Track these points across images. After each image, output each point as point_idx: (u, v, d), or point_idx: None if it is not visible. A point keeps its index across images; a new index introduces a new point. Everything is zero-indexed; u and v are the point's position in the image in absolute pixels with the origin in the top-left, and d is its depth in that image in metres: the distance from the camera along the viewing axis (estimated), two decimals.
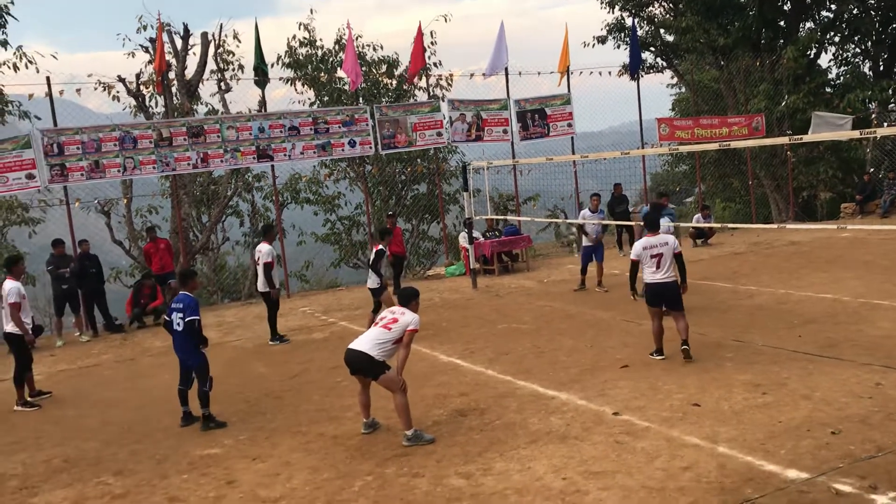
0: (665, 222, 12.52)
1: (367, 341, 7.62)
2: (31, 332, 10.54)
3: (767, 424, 7.04)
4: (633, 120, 22.41)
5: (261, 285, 12.89)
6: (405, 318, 7.73)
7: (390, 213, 18.51)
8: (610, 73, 22.00)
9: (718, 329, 10.94)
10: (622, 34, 26.75)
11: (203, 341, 8.79)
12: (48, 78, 15.88)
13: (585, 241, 14.99)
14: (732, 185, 29.21)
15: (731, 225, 17.36)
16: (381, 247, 12.40)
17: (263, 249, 12.84)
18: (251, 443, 7.98)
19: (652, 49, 27.95)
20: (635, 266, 9.83)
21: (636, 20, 25.56)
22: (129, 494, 6.89)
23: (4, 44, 16.96)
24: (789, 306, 12.10)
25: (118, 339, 14.57)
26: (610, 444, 6.92)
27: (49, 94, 15.89)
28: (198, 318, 8.59)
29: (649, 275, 9.66)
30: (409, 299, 8.00)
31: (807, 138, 11.35)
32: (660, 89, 30.83)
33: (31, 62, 17.06)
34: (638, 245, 9.82)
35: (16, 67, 17.14)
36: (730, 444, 6.65)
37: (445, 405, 8.57)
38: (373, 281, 12.18)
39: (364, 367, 7.59)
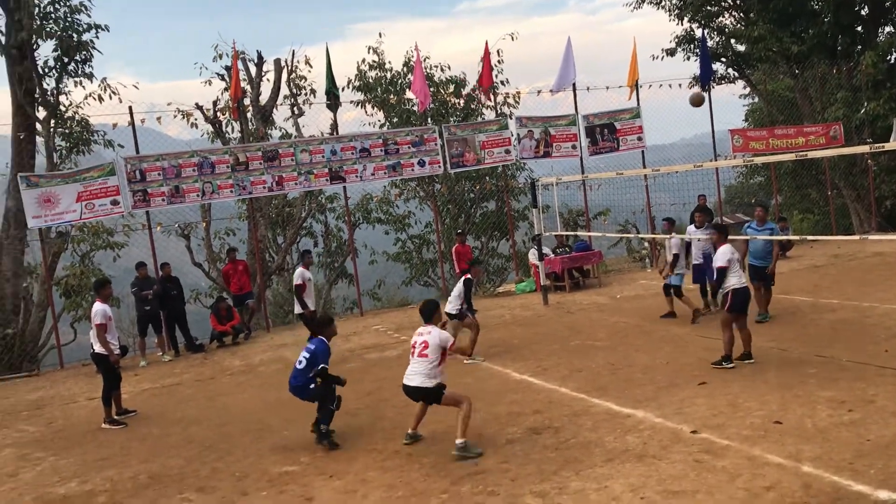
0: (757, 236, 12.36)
1: (416, 375, 8.00)
2: (116, 352, 10.94)
3: (854, 443, 6.80)
4: (705, 132, 22.02)
5: (297, 308, 13.44)
6: (434, 338, 8.01)
7: (459, 231, 18.60)
8: (680, 85, 21.72)
9: (800, 344, 10.62)
10: (691, 46, 26.33)
11: (339, 382, 8.71)
12: (130, 108, 16.58)
13: (694, 260, 13.77)
14: (810, 195, 28.34)
15: (810, 237, 16.82)
16: (469, 276, 12.19)
17: (296, 272, 13.48)
18: (328, 460, 8.09)
19: (723, 60, 27.41)
20: (723, 273, 9.80)
21: (706, 31, 25.15)
22: None
23: (90, 76, 17.72)
24: (874, 320, 11.66)
25: (199, 359, 14.99)
26: (689, 463, 6.79)
27: (131, 122, 16.57)
28: (326, 366, 8.57)
29: (737, 280, 9.87)
30: (430, 314, 8.31)
31: (889, 146, 10.93)
32: (731, 100, 30.25)
33: (114, 93, 17.80)
34: (726, 251, 9.92)
35: (100, 98, 17.89)
36: (815, 463, 6.45)
37: (519, 423, 8.54)
38: (453, 307, 11.94)
39: (425, 398, 8.09)
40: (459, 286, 12.13)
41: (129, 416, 10.87)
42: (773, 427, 7.43)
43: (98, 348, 10.74)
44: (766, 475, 6.34)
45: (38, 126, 17.14)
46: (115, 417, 10.64)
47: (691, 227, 13.81)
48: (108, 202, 16.00)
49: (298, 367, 8.63)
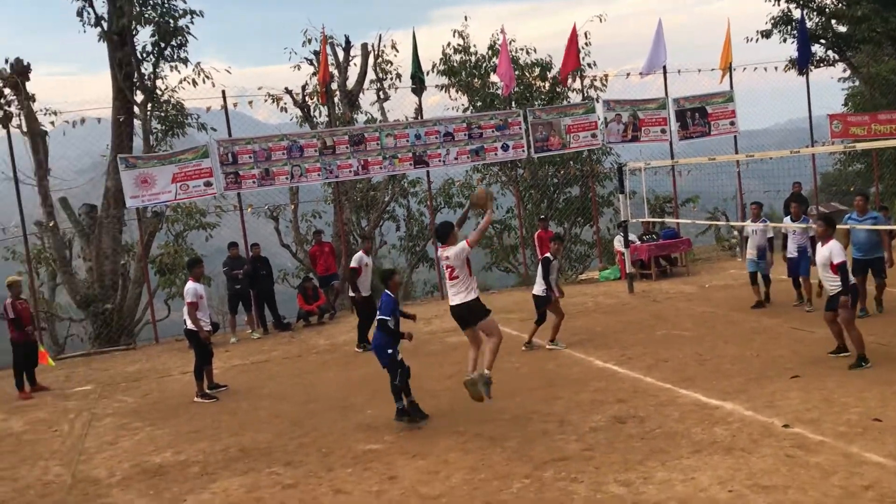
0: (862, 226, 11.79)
1: (456, 294, 8.53)
2: (207, 329, 11.30)
3: None
4: (800, 117, 21.18)
5: (350, 291, 13.51)
6: (453, 253, 8.44)
7: (542, 216, 18.44)
8: (776, 68, 20.95)
9: None
10: (789, 27, 25.27)
11: (396, 338, 8.91)
12: (223, 92, 17.05)
13: (788, 254, 13.13)
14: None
15: None
16: (548, 254, 12.08)
17: (355, 256, 13.61)
18: (411, 440, 8.19)
19: (822, 41, 26.23)
20: (845, 269, 9.30)
21: (804, 11, 24.11)
22: (299, 485, 7.25)
23: (185, 61, 18.25)
24: None
25: (286, 337, 15.37)
26: (780, 458, 6.58)
27: (224, 106, 17.03)
28: (388, 318, 8.78)
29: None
30: (446, 235, 8.69)
31: None
32: (830, 83, 28.84)
33: (207, 77, 18.25)
34: (838, 246, 9.47)
35: (194, 83, 18.40)
36: None
37: (602, 411, 8.44)
38: (539, 288, 11.87)
39: (468, 317, 8.54)
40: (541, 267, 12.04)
41: (220, 390, 11.23)
42: (872, 424, 7.13)
43: (190, 325, 11.12)
44: (863, 474, 6.09)
45: (136, 109, 17.79)
46: (207, 391, 11.00)
47: (787, 219, 13.28)
48: (202, 184, 16.50)
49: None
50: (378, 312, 8.93)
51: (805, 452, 6.64)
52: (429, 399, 9.66)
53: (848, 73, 28.46)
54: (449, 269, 8.57)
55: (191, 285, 11.19)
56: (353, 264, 13.43)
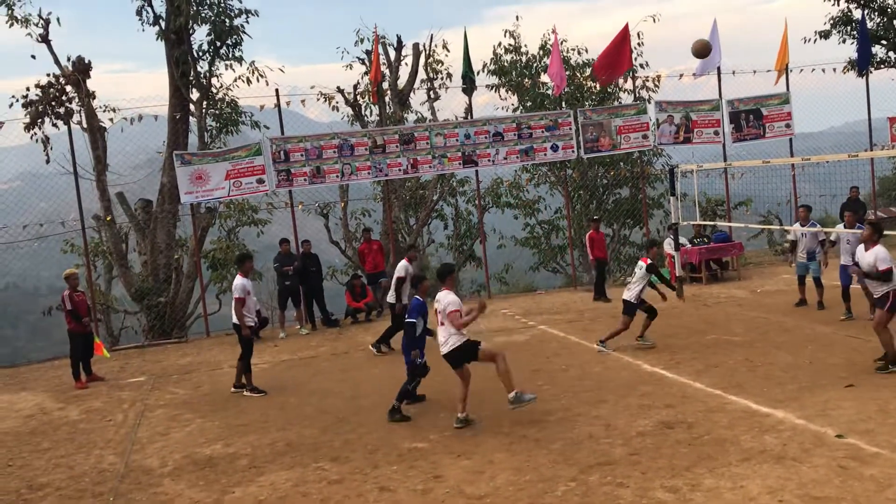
0: None
1: (445, 341, 8.56)
2: (256, 323, 11.44)
3: None
4: (858, 119, 20.68)
5: (393, 298, 13.07)
6: (442, 304, 8.50)
7: (595, 217, 18.31)
8: (834, 69, 20.49)
9: None
10: (848, 27, 24.65)
11: (421, 342, 9.20)
12: (277, 91, 17.28)
13: (842, 261, 12.81)
14: None
15: None
16: (650, 260, 11.75)
17: (399, 265, 13.09)
18: (456, 439, 8.22)
19: (883, 42, 25.51)
20: (890, 274, 9.21)
21: (865, 11, 23.49)
22: (344, 481, 7.33)
23: (240, 59, 18.53)
24: None
25: (334, 333, 15.53)
26: (833, 469, 6.45)
27: (277, 105, 17.26)
28: (414, 321, 9.10)
29: None
30: (444, 276, 8.76)
31: None
32: (890, 85, 28.10)
33: (261, 76, 18.51)
34: (885, 252, 9.31)
35: (248, 81, 18.67)
36: None
37: (650, 416, 8.36)
38: (631, 294, 11.64)
39: (461, 357, 8.55)
40: (642, 270, 11.65)
41: (242, 391, 11.11)
42: None
43: (236, 319, 11.26)
44: None
45: (192, 107, 18.14)
46: (254, 385, 11.13)
47: (839, 227, 13.00)
48: (255, 181, 16.76)
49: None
50: (406, 315, 9.32)
51: (859, 464, 6.49)
52: (475, 400, 9.67)
53: None
54: (441, 319, 8.63)
55: (239, 280, 11.28)
56: (399, 273, 12.98)
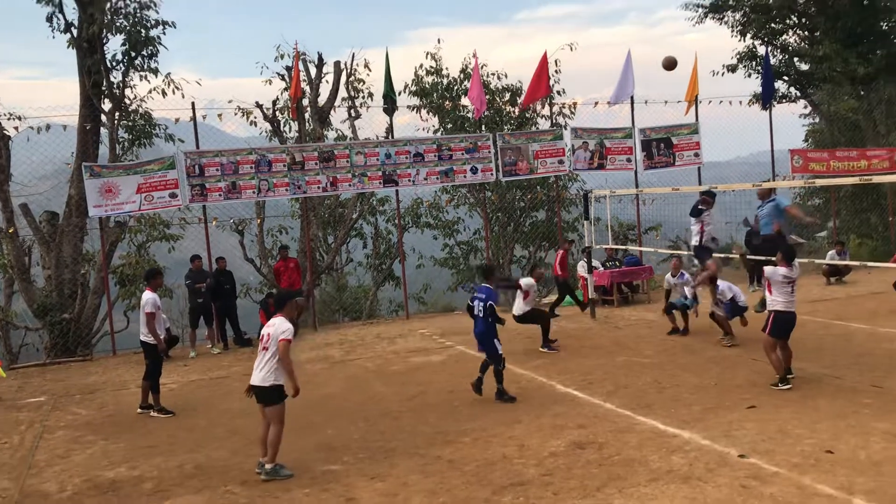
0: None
1: (256, 370, 7.89)
2: (164, 341, 11.15)
3: None
4: (762, 150, 21.65)
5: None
6: (275, 329, 7.84)
7: (571, 239, 18.78)
8: (741, 102, 21.43)
9: (855, 373, 10.36)
10: (753, 63, 25.92)
11: (499, 321, 10.34)
12: (193, 104, 16.90)
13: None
14: (869, 220, 27.63)
15: (870, 263, 16.38)
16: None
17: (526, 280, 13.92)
18: (370, 461, 8.15)
19: (785, 78, 26.94)
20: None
21: (769, 48, 24.74)
22: None
23: (155, 71, 18.07)
24: None
25: (246, 353, 15.21)
26: (735, 488, 6.67)
27: (193, 118, 16.90)
28: (494, 303, 10.26)
29: (784, 303, 9.65)
30: (282, 303, 8.10)
31: None
32: (791, 119, 29.59)
33: (178, 88, 18.09)
34: (779, 270, 9.73)
35: (164, 93, 18.22)
36: (868, 497, 6.29)
37: (563, 436, 8.48)
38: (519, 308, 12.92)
39: (258, 397, 7.95)
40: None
41: (150, 412, 10.77)
42: (825, 457, 7.26)
43: (145, 336, 10.94)
44: None
45: (104, 118, 17.58)
46: (162, 406, 10.80)
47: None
48: (167, 195, 16.34)
49: (479, 316, 10.29)
50: (484, 302, 10.19)
51: (760, 483, 6.74)
52: (390, 420, 9.66)
53: (809, 109, 29.24)
54: (263, 339, 7.99)
55: (149, 295, 10.94)
56: (526, 286, 13.49)
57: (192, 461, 8.57)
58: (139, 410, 10.87)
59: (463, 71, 22.98)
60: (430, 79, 23.15)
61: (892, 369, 10.45)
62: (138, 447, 9.24)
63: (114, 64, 17.61)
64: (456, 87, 23.08)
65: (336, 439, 9.00)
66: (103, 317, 17.59)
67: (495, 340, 10.26)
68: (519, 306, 13.24)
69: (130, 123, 18.17)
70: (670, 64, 15.54)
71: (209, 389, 12.28)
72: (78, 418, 10.92)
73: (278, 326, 7.88)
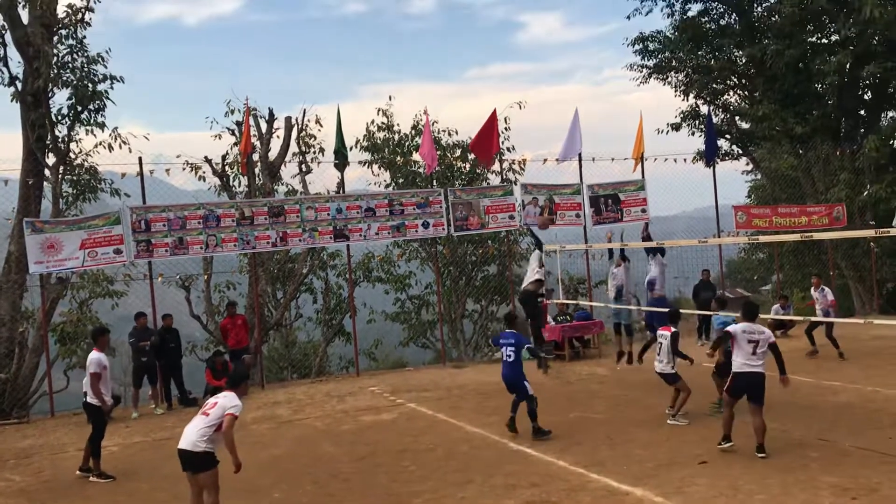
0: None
1: (188, 433, 7.49)
2: (109, 402, 10.79)
3: None
4: (706, 205, 22.17)
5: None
6: (226, 401, 7.54)
7: (550, 288, 18.73)
8: (685, 159, 21.97)
9: (801, 426, 10.49)
10: (697, 121, 26.74)
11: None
12: (140, 158, 16.69)
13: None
14: (812, 274, 28.39)
15: (814, 318, 16.73)
16: (674, 329, 11.41)
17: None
18: None
19: (727, 136, 27.81)
20: (726, 338, 9.72)
21: (711, 108, 25.56)
22: None
23: (102, 125, 17.83)
24: (878, 405, 11.54)
25: (191, 413, 14.67)
26: None
27: (140, 173, 16.66)
28: (530, 344, 11.26)
29: (741, 363, 9.38)
30: (237, 382, 7.87)
31: (895, 231, 11.00)
32: (734, 175, 30.53)
33: (124, 142, 17.88)
34: (738, 326, 9.56)
35: (110, 147, 17.98)
36: None
37: (515, 496, 8.36)
38: (666, 365, 11.29)
39: (187, 463, 7.48)
40: (667, 342, 11.24)
41: (93, 476, 10.36)
42: None
43: (90, 398, 10.59)
44: None
45: (47, 172, 17.23)
46: (101, 470, 10.40)
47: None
48: (111, 251, 15.99)
49: (508, 360, 10.81)
50: (514, 346, 10.75)
51: None
52: (339, 483, 9.43)
53: (751, 166, 30.19)
54: (205, 409, 7.68)
55: (95, 355, 10.61)
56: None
57: None
58: (78, 473, 10.44)
59: (414, 127, 23.27)
60: (381, 134, 23.38)
61: (837, 422, 10.60)
62: None
63: (59, 118, 17.36)
64: (407, 143, 23.32)
65: (283, 502, 8.72)
66: (42, 377, 16.98)
67: (525, 383, 10.78)
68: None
69: (75, 178, 17.88)
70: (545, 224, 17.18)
71: (152, 452, 11.86)
72: (11, 485, 10.42)
73: (230, 400, 7.56)
